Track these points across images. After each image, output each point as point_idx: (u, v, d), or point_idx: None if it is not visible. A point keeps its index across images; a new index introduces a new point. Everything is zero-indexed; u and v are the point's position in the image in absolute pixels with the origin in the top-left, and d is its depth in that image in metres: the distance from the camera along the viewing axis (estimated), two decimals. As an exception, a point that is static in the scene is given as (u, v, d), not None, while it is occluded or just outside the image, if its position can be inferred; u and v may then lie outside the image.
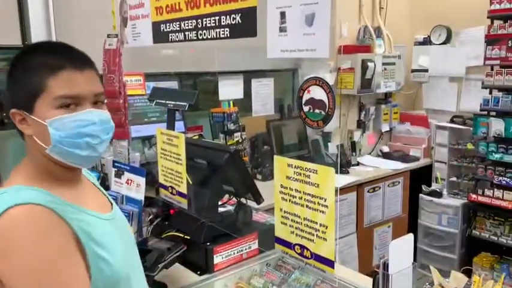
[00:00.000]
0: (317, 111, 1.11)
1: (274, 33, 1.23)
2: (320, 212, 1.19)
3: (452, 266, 3.65)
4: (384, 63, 3.82)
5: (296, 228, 1.28)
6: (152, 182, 2.28)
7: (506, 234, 3.32)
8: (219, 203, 1.97)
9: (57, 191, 0.98)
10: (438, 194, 3.74)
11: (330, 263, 1.20)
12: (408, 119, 4.22)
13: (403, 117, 4.23)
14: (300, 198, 1.24)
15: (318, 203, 1.18)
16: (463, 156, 3.77)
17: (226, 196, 1.98)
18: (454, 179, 3.82)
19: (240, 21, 1.34)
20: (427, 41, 4.09)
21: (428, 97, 4.21)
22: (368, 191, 3.52)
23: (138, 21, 1.91)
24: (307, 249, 1.25)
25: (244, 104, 3.60)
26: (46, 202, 0.92)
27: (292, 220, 1.29)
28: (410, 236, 1.37)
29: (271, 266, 1.73)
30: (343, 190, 3.33)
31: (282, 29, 1.20)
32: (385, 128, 4.13)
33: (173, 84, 3.05)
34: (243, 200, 1.90)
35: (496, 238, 3.35)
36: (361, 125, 3.98)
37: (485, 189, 3.36)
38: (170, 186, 1.89)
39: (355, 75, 3.64)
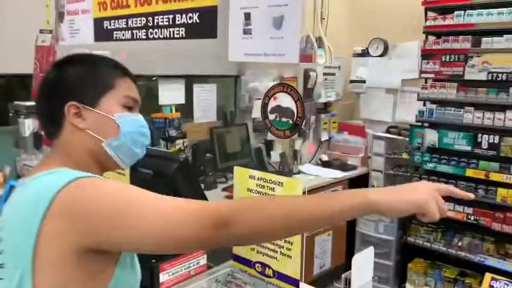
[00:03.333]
0: (284, 119, 1.04)
1: (237, 35, 1.14)
2: (285, 227, 1.11)
3: (388, 273, 3.76)
4: (324, 74, 3.85)
5: (257, 245, 1.19)
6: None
7: (439, 241, 3.47)
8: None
9: None
10: (375, 202, 3.83)
11: (295, 282, 1.13)
12: (346, 128, 4.30)
13: (341, 126, 4.32)
14: (263, 212, 1.15)
15: (283, 218, 1.10)
16: (398, 166, 3.90)
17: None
18: (390, 187, 3.94)
19: (198, 21, 1.23)
20: (365, 53, 4.21)
21: (365, 108, 4.33)
22: (310, 200, 3.52)
23: (77, 17, 1.73)
24: (269, 267, 1.17)
25: (185, 109, 3.47)
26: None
27: (253, 236, 1.20)
28: (371, 249, 1.35)
29: (220, 282, 1.62)
30: (286, 199, 3.29)
31: (246, 31, 1.11)
32: (324, 137, 4.18)
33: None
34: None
35: (429, 244, 3.49)
36: (302, 133, 3.99)
37: (420, 198, 3.49)
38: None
39: (298, 85, 3.64)
